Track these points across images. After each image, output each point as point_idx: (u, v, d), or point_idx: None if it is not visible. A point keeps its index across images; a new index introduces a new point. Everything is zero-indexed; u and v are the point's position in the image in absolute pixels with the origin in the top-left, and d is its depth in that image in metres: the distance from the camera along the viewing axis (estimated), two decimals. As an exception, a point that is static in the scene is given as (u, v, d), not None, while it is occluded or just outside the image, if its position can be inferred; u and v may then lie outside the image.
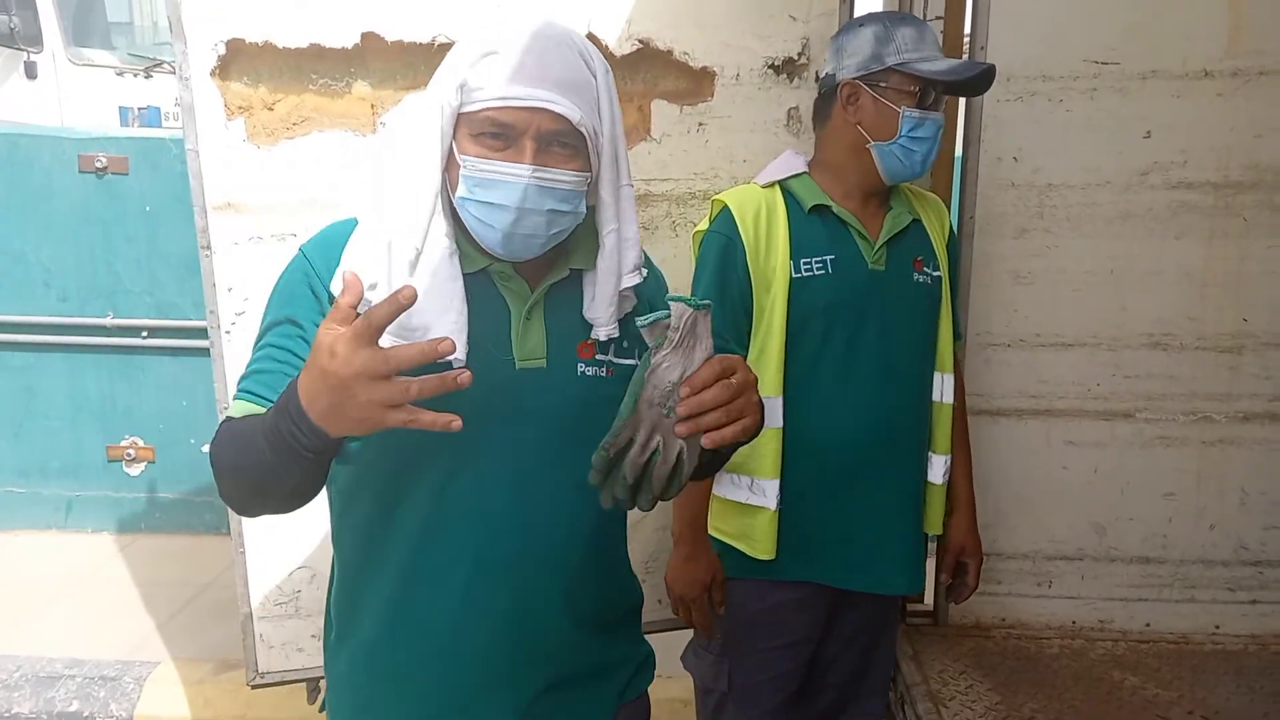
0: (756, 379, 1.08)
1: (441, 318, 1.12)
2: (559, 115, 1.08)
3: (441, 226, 1.14)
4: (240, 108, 1.89)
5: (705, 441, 1.04)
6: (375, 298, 1.09)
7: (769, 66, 2.02)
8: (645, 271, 1.24)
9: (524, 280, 1.20)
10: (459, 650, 1.21)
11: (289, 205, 1.93)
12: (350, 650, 1.26)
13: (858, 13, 1.93)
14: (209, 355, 1.96)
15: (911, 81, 1.65)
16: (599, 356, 1.22)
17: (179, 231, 3.70)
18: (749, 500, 1.76)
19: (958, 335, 1.95)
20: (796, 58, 2.02)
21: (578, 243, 1.22)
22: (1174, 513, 2.26)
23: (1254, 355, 2.19)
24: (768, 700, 1.89)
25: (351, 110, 1.93)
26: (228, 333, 1.94)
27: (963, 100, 2.16)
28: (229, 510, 2.01)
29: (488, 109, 1.08)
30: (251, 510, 1.16)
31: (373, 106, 1.93)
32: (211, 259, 1.91)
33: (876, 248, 1.73)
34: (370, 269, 1.11)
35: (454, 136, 1.12)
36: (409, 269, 1.11)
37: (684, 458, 1.06)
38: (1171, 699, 2.03)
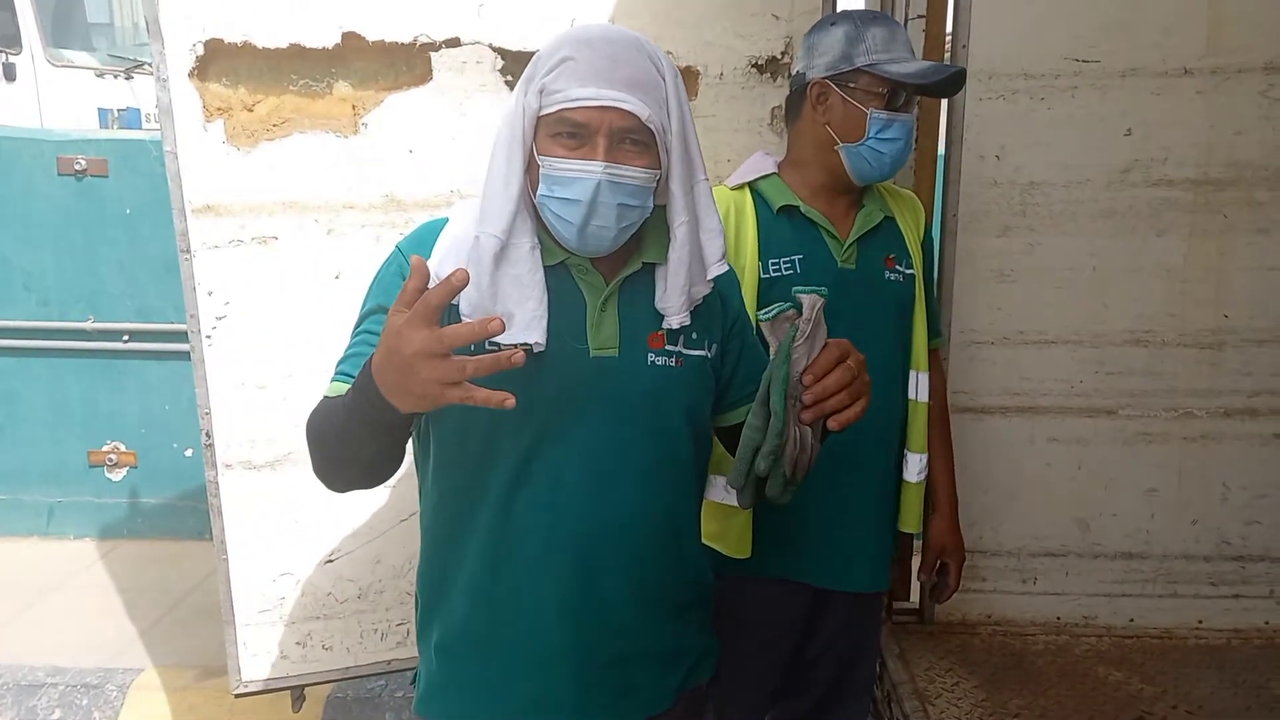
0: (865, 358, 1.18)
1: (523, 306, 1.20)
2: (628, 113, 1.16)
3: (526, 223, 1.22)
4: (219, 109, 1.86)
5: (832, 424, 1.14)
6: (463, 288, 1.18)
7: (752, 65, 2.02)
8: (728, 264, 1.32)
9: (600, 274, 1.28)
10: (529, 619, 1.29)
11: (270, 207, 1.91)
12: (440, 623, 1.34)
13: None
14: (191, 359, 1.95)
15: (880, 83, 1.63)
16: (669, 347, 1.30)
17: (160, 234, 3.67)
18: (725, 500, 1.76)
19: (936, 333, 1.94)
20: (780, 56, 2.02)
21: (650, 238, 1.29)
22: (1156, 508, 2.27)
23: (1234, 351, 2.21)
24: (749, 697, 1.89)
25: (333, 111, 1.91)
26: (208, 337, 1.92)
27: (945, 100, 2.17)
28: (211, 516, 2.00)
29: (563, 109, 1.16)
30: (338, 483, 1.24)
31: (354, 107, 1.92)
32: (191, 262, 1.89)
33: (846, 246, 1.72)
34: (458, 260, 1.20)
35: (534, 139, 1.20)
36: (493, 261, 1.19)
37: (813, 442, 1.16)
38: (1155, 694, 2.05)
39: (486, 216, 1.20)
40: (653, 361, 1.29)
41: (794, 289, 1.15)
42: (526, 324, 1.19)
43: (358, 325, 1.28)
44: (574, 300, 1.26)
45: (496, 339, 1.17)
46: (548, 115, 1.17)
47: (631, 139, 1.18)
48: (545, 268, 1.23)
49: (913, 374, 1.83)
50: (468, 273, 0.98)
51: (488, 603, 1.29)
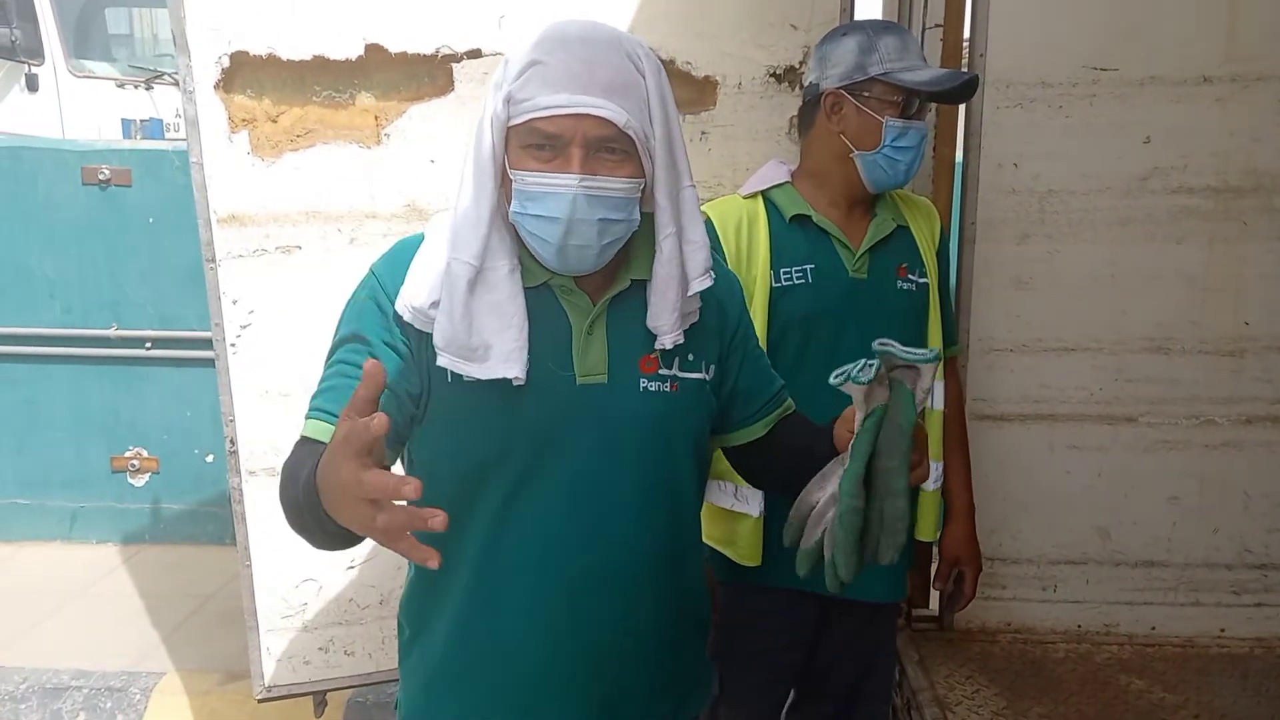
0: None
1: (501, 335, 1.12)
2: (604, 120, 1.06)
3: (503, 242, 1.14)
4: (244, 120, 1.89)
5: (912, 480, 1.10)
6: (436, 315, 1.12)
7: (771, 75, 2.03)
8: (714, 275, 1.22)
9: (585, 294, 1.19)
10: (517, 662, 1.22)
11: (293, 217, 1.93)
12: (421, 653, 1.29)
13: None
14: (213, 366, 1.96)
15: (895, 91, 1.64)
16: (663, 371, 1.21)
17: (182, 243, 3.70)
18: (734, 507, 1.77)
19: (953, 341, 1.94)
20: (798, 66, 2.03)
21: (637, 253, 1.21)
22: (1178, 516, 2.26)
23: (1255, 358, 2.20)
24: (759, 704, 1.89)
25: (355, 122, 1.93)
26: (233, 345, 1.94)
27: (962, 107, 2.17)
28: (235, 522, 2.02)
29: (533, 119, 1.07)
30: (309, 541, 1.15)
31: (376, 118, 1.94)
32: (216, 271, 1.91)
33: (858, 256, 1.72)
34: (433, 288, 1.13)
35: (506, 151, 1.11)
36: (467, 287, 1.11)
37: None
38: (1177, 702, 2.03)
39: (458, 240, 1.11)
40: (645, 388, 1.20)
41: (899, 352, 1.04)
42: (505, 356, 1.11)
43: (331, 354, 1.19)
44: (558, 324, 1.17)
45: (474, 374, 1.11)
46: (517, 125, 1.08)
47: (610, 148, 1.09)
48: (526, 290, 1.15)
49: None
50: (386, 419, 0.84)
51: (470, 642, 1.23)
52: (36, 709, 2.87)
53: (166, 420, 3.91)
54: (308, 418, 1.14)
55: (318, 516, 0.99)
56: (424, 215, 1.97)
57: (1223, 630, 2.28)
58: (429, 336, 1.13)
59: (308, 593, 2.07)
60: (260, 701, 2.13)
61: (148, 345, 3.84)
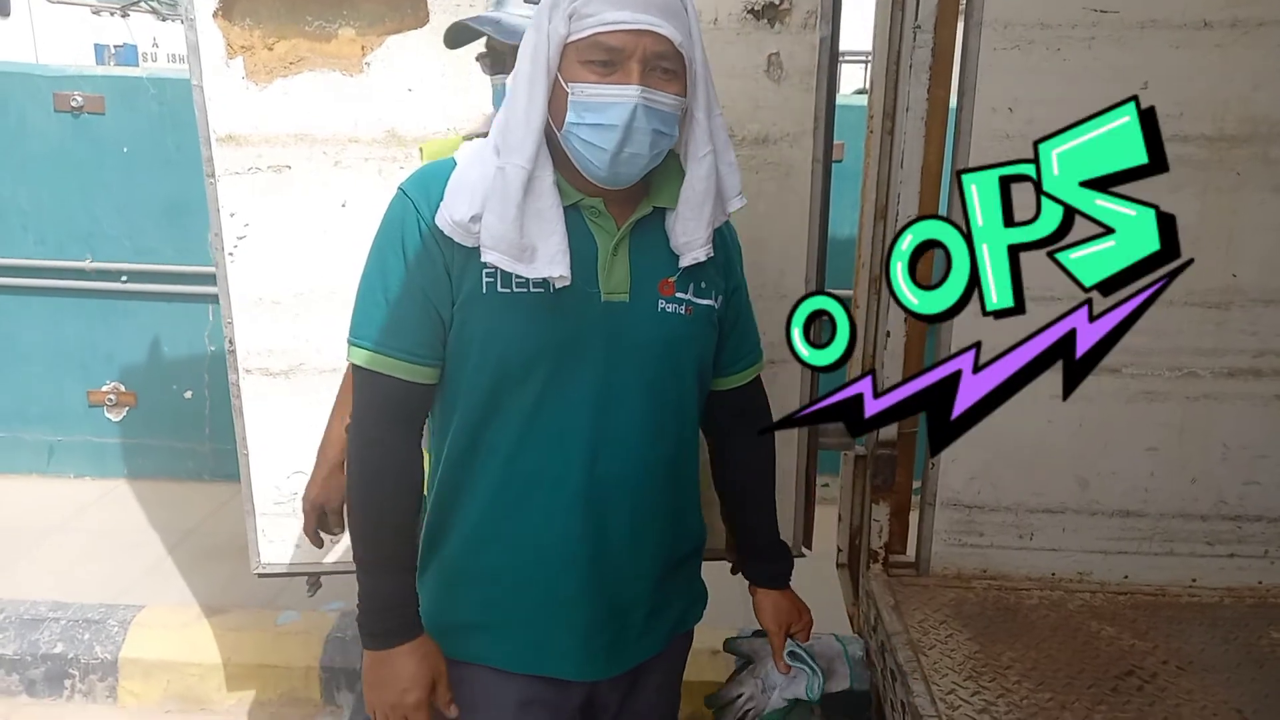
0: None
1: (547, 240, 1.20)
2: (663, 37, 1.17)
3: (547, 155, 1.22)
4: (242, 47, 1.96)
5: None
6: (483, 222, 1.18)
7: (748, 11, 2.00)
8: (744, 200, 1.34)
9: (612, 217, 1.27)
10: (532, 568, 1.30)
11: (283, 139, 2.02)
12: (439, 560, 1.36)
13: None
14: (190, 300, 2.01)
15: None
16: (678, 295, 1.30)
17: (157, 174, 3.63)
18: None
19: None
20: (778, 2, 2.00)
21: (661, 181, 1.29)
22: (1156, 467, 2.27)
23: (1241, 311, 2.19)
24: None
25: (342, 51, 1.99)
26: (230, 254, 2.05)
27: (959, 49, 2.12)
28: (234, 415, 2.14)
29: (597, 34, 1.16)
30: None
31: (362, 48, 1.99)
32: (215, 186, 2.02)
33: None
34: (473, 202, 1.19)
35: (560, 67, 1.18)
36: (521, 190, 1.17)
37: None
38: (1147, 649, 2.06)
39: (509, 148, 1.18)
40: (663, 309, 1.29)
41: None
42: (550, 259, 1.19)
43: (368, 273, 1.26)
44: (586, 244, 1.25)
45: (522, 273, 1.19)
46: (578, 41, 1.17)
47: (663, 66, 1.18)
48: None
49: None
50: None
51: (489, 548, 1.30)
52: (14, 639, 2.87)
53: (144, 355, 3.87)
54: (357, 345, 1.24)
55: (365, 575, 1.29)
56: (402, 141, 2.02)
57: (1194, 580, 2.31)
58: (462, 251, 1.20)
59: (298, 483, 2.14)
60: (260, 577, 2.23)
61: (123, 278, 3.78)
